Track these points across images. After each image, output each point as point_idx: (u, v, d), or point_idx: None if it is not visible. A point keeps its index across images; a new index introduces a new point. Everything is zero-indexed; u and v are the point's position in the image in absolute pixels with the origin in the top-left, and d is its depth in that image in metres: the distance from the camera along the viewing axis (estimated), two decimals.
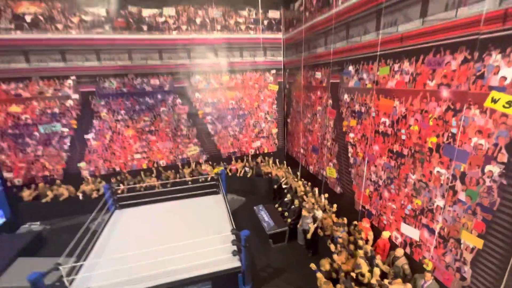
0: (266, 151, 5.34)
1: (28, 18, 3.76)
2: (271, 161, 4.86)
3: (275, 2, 4.72)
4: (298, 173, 4.23)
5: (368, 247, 2.24)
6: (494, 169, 1.52)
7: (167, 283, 2.26)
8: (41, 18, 3.81)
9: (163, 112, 4.62)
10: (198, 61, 4.59)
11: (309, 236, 2.82)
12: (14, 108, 3.95)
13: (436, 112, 1.87)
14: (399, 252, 2.17)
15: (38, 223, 3.82)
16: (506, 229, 1.48)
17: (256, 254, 2.89)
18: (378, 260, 2.07)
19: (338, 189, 3.34)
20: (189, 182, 4.15)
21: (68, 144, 4.26)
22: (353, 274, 1.96)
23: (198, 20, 4.44)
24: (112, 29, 4.09)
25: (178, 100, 4.67)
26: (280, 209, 3.55)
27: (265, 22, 4.80)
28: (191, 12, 4.40)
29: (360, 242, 2.30)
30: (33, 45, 3.84)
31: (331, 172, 3.46)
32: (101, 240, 2.99)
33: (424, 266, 1.98)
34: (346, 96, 3.02)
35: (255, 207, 3.68)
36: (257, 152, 5.30)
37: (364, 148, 2.74)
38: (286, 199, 3.58)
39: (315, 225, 2.83)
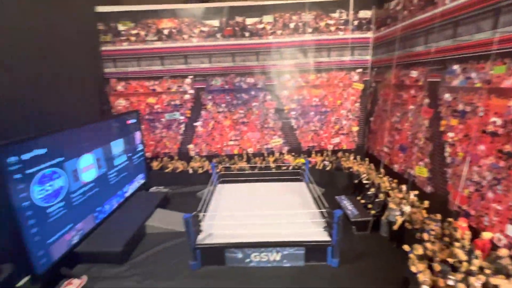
0: (344, 148, 5.50)
1: (165, 32, 4.96)
2: (352, 157, 5.02)
3: (366, 3, 4.82)
4: (382, 170, 4.29)
5: (466, 242, 2.29)
6: None
7: (271, 241, 2.82)
8: (174, 31, 4.96)
9: (254, 106, 5.33)
10: (289, 61, 5.11)
11: (395, 227, 2.98)
12: (151, 100, 5.26)
13: None
14: (503, 252, 2.15)
15: (162, 187, 5.01)
16: None
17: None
18: (477, 253, 2.13)
19: (428, 188, 3.33)
20: (274, 169, 4.76)
21: (183, 129, 5.42)
22: (450, 260, 2.09)
23: (292, 25, 4.95)
24: (222, 36, 4.98)
25: (268, 97, 5.30)
26: (362, 201, 3.74)
27: (355, 23, 4.94)
28: (286, 18, 4.93)
29: (457, 235, 2.36)
30: (166, 52, 5.04)
31: (421, 171, 3.46)
32: (212, 203, 3.83)
33: None
34: (447, 95, 3.00)
35: (336, 197, 3.98)
36: (335, 148, 5.52)
37: (466, 147, 2.71)
38: (369, 193, 3.74)
39: (403, 218, 2.96)
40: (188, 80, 5.17)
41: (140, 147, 4.71)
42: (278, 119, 5.40)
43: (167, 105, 5.28)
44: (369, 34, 4.96)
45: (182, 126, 5.40)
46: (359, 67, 5.14)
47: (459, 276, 1.91)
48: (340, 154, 5.26)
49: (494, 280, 1.89)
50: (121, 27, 4.88)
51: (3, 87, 2.78)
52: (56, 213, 2.70)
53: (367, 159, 4.86)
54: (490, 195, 2.44)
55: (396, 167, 4.16)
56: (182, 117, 5.35)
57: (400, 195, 3.27)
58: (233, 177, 4.67)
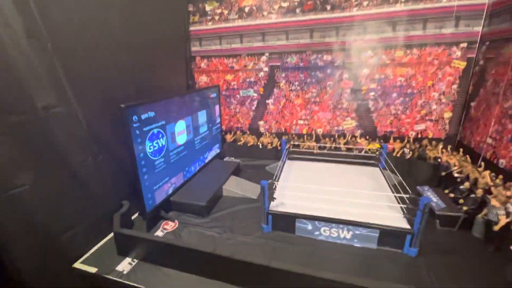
0: (430, 136, 4.85)
1: (246, 9, 5.12)
2: (440, 146, 4.41)
3: None
4: (482, 164, 3.65)
5: None
6: None
7: (343, 219, 2.82)
8: (254, 8, 5.07)
9: (329, 85, 5.13)
10: (373, 36, 4.65)
11: (497, 228, 2.56)
12: (228, 77, 5.63)
13: None
14: None
15: (233, 158, 5.46)
16: None
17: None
18: None
19: None
20: (344, 151, 4.59)
21: (255, 105, 5.67)
22: None
23: None
24: (301, 12, 4.84)
25: (345, 75, 5.00)
26: (452, 195, 3.32)
27: None
28: None
29: None
30: (246, 30, 5.22)
31: None
32: (283, 177, 4.00)
33: None
34: None
35: (418, 187, 3.62)
36: (419, 136, 4.91)
37: None
38: (462, 186, 3.27)
39: (509, 219, 2.52)
40: (264, 58, 5.30)
41: (218, 120, 5.17)
42: (353, 100, 5.08)
43: (242, 82, 5.57)
44: (485, 0, 4.05)
45: (255, 103, 5.65)
46: (464, 41, 4.30)
47: None
48: (425, 141, 4.67)
49: None
50: (207, 7, 5.26)
51: (126, 68, 3.41)
52: (159, 166, 3.29)
53: (461, 149, 4.18)
54: None
55: (503, 162, 3.47)
56: (255, 94, 5.58)
57: (508, 193, 2.76)
58: (302, 154, 4.72)
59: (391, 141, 4.88)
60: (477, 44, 4.25)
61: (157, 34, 4.23)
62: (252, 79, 5.52)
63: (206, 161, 4.72)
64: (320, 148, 4.93)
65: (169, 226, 3.30)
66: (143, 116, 2.89)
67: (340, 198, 3.02)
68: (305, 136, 5.34)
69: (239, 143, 5.49)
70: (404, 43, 4.55)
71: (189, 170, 4.07)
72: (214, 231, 3.18)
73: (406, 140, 4.82)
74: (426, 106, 4.78)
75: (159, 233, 3.18)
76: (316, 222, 2.92)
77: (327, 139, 5.16)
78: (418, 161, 4.36)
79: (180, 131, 3.75)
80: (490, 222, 2.68)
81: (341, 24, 4.74)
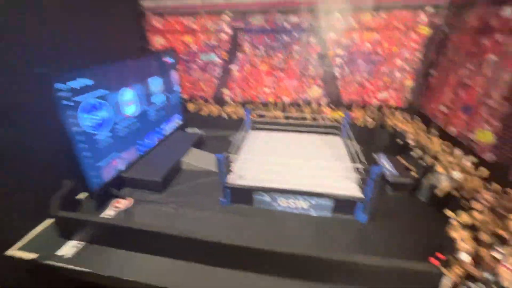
0: (393, 105, 4.92)
1: None
2: (398, 114, 4.51)
3: None
4: (434, 131, 3.81)
5: None
6: None
7: (299, 190, 2.81)
8: None
9: (295, 50, 4.84)
10: None
11: (439, 193, 2.73)
12: (187, 38, 5.05)
13: None
14: None
15: (196, 128, 5.17)
16: None
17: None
18: None
19: (489, 157, 2.89)
20: (310, 120, 4.52)
21: (218, 72, 5.25)
22: (503, 233, 1.87)
23: None
24: None
25: (312, 39, 4.72)
26: (404, 162, 3.45)
27: None
28: None
29: None
30: None
31: (485, 136, 2.97)
32: (244, 148, 3.87)
33: None
34: None
35: (375, 155, 3.72)
36: (381, 104, 4.97)
37: None
38: (413, 153, 3.41)
39: (452, 185, 2.68)
40: (225, 17, 4.76)
41: (177, 88, 4.74)
42: (320, 66, 4.89)
43: (203, 45, 5.04)
44: None
45: (218, 69, 5.22)
46: (430, 5, 4.17)
47: (510, 249, 1.71)
48: (385, 110, 4.75)
49: None
50: None
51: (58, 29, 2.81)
52: (103, 141, 2.95)
53: (418, 118, 4.31)
54: None
55: (453, 131, 3.64)
56: (218, 59, 5.13)
57: (451, 159, 2.91)
58: (266, 125, 4.58)
59: (354, 109, 4.89)
60: (444, 9, 4.15)
61: None
62: (214, 42, 5.01)
63: (166, 133, 4.39)
64: (285, 118, 4.81)
65: (122, 204, 3.09)
66: (74, 84, 2.46)
67: (299, 169, 2.99)
68: (270, 105, 5.14)
69: (201, 113, 5.16)
70: (372, 5, 4.30)
71: (143, 144, 3.75)
72: (170, 206, 3.04)
73: (368, 109, 4.85)
74: (390, 74, 4.76)
75: (110, 212, 2.97)
76: (274, 193, 2.89)
77: (292, 107, 5.02)
78: (378, 129, 4.45)
79: (128, 101, 3.34)
80: (434, 187, 2.84)
81: None
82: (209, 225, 2.78)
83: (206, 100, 5.47)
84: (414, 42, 4.47)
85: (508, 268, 1.57)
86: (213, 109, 5.18)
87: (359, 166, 2.80)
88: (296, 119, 4.67)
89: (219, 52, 5.07)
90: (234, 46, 4.98)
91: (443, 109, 3.92)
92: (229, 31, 4.86)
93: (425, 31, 4.31)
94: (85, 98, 2.60)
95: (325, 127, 4.39)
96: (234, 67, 5.16)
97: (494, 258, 1.68)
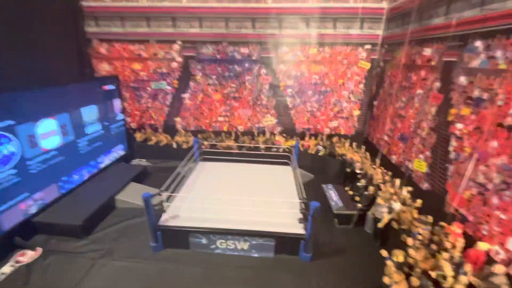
0: (342, 133, 5.07)
1: None
2: (347, 144, 4.61)
3: None
4: (377, 161, 3.90)
5: (456, 253, 1.96)
6: None
7: (239, 229, 2.56)
8: None
9: (248, 80, 4.87)
10: (288, 31, 4.53)
11: (381, 225, 2.65)
12: (136, 66, 4.85)
13: None
14: (499, 269, 1.83)
15: (144, 160, 4.78)
16: None
17: (319, 230, 2.90)
18: (467, 268, 1.80)
19: (425, 185, 2.95)
20: (263, 150, 4.42)
21: (170, 100, 5.05)
22: (433, 274, 1.78)
23: None
24: None
25: (263, 70, 4.80)
26: (351, 192, 3.41)
27: None
28: None
29: (447, 245, 2.03)
30: (153, 12, 4.51)
31: (419, 166, 3.06)
32: (188, 181, 3.57)
33: None
34: (463, 78, 2.50)
35: (323, 185, 3.65)
36: (333, 133, 5.09)
37: (476, 143, 2.28)
38: (359, 184, 3.39)
39: (391, 215, 2.63)
40: (176, 46, 4.70)
41: (120, 116, 4.40)
42: (272, 96, 4.95)
43: (153, 73, 4.87)
44: (384, 4, 4.29)
45: (169, 97, 5.03)
46: (368, 43, 4.53)
47: None
48: (335, 139, 4.85)
49: None
50: None
51: None
52: (6, 181, 2.47)
53: (363, 147, 4.44)
54: (494, 200, 2.05)
55: (394, 158, 3.75)
56: (169, 87, 4.95)
57: (392, 190, 2.91)
58: (217, 155, 4.36)
59: (307, 138, 4.93)
60: (379, 47, 4.53)
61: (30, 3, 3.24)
62: (164, 70, 4.86)
63: (102, 166, 3.94)
64: (238, 147, 4.66)
65: (26, 257, 2.54)
66: None
67: (241, 206, 2.75)
68: (224, 134, 4.99)
69: (149, 143, 4.82)
70: (317, 41, 4.55)
71: (69, 180, 3.28)
72: (88, 256, 2.57)
73: (320, 137, 4.92)
74: (338, 104, 4.95)
75: (6, 269, 2.40)
76: (211, 235, 2.59)
77: (246, 137, 4.92)
78: (329, 157, 4.47)
79: (48, 133, 2.93)
80: (377, 219, 2.78)
81: (256, 16, 4.48)
82: (133, 278, 2.35)
83: (155, 129, 5.17)
84: (357, 75, 4.75)
85: None
86: (162, 138, 4.87)
87: (299, 201, 2.66)
88: (248, 150, 4.53)
89: (170, 80, 4.92)
90: (186, 75, 4.87)
91: (385, 138, 4.08)
92: (180, 59, 4.78)
93: (366, 65, 4.62)
94: None
95: (277, 157, 4.29)
96: (186, 96, 5.01)
97: None
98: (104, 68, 4.86)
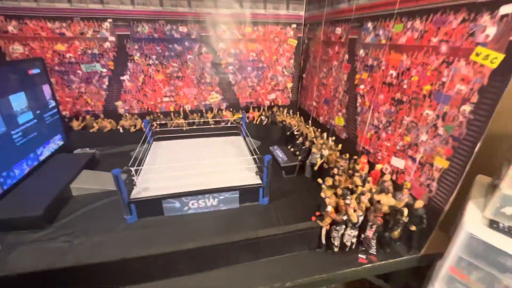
0: (280, 104, 5.82)
1: None
2: (285, 112, 5.38)
3: None
4: (309, 123, 4.78)
5: (362, 172, 2.89)
6: (467, 108, 2.03)
7: (207, 189, 2.98)
8: None
9: (189, 59, 5.00)
10: (224, 10, 4.80)
11: (316, 168, 3.49)
12: (59, 47, 4.37)
13: (434, 64, 2.31)
14: (386, 177, 2.81)
15: (87, 148, 4.53)
16: (466, 152, 2.05)
17: (271, 181, 3.55)
18: (369, 179, 2.73)
19: (343, 135, 3.92)
20: (212, 124, 4.79)
21: (107, 83, 4.78)
22: (350, 185, 2.64)
23: None
24: None
25: (204, 49, 5.01)
26: (292, 149, 4.19)
27: None
28: None
29: (357, 167, 2.94)
30: None
31: (339, 121, 4.00)
32: (148, 159, 3.72)
33: (404, 186, 2.61)
34: (362, 51, 3.39)
35: (270, 147, 4.33)
36: (272, 104, 5.79)
37: (371, 98, 3.22)
38: (298, 141, 4.18)
39: (322, 160, 3.48)
40: (107, 24, 4.41)
41: (52, 103, 4.03)
42: (215, 74, 5.24)
43: (82, 54, 4.49)
44: None
45: (106, 80, 4.76)
46: (294, 23, 5.22)
47: (354, 196, 2.44)
48: (275, 109, 5.57)
49: (376, 196, 2.49)
50: None
51: None
52: None
53: (298, 113, 5.29)
54: (383, 135, 3.04)
55: (321, 119, 4.68)
56: (104, 70, 4.67)
57: (321, 141, 3.76)
58: (169, 134, 4.53)
59: (251, 110, 5.50)
60: (302, 26, 5.28)
61: None
62: (96, 51, 4.54)
63: (42, 158, 3.66)
64: (189, 124, 4.89)
65: None
66: None
67: (204, 170, 3.16)
68: (172, 113, 5.10)
69: (91, 130, 4.56)
70: (251, 20, 5.00)
71: (9, 175, 3.03)
72: (60, 241, 2.60)
73: (262, 109, 5.56)
74: (274, 78, 5.62)
75: None
76: (183, 198, 2.95)
77: (195, 114, 5.16)
78: (271, 125, 5.17)
79: None
80: (313, 165, 3.60)
81: None
82: (115, 246, 2.55)
83: (96, 116, 4.87)
84: (288, 52, 5.46)
85: (351, 207, 2.26)
86: (106, 124, 4.67)
87: (255, 157, 3.23)
88: (199, 125, 4.83)
89: (105, 62, 4.64)
90: (122, 55, 4.67)
91: (314, 104, 4.98)
92: (113, 39, 4.53)
93: (293, 43, 5.35)
94: None
95: (226, 129, 4.75)
96: (125, 78, 4.83)
97: (346, 204, 2.36)
98: (16, 50, 4.21)
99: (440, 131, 2.28)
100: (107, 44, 4.54)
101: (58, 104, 4.25)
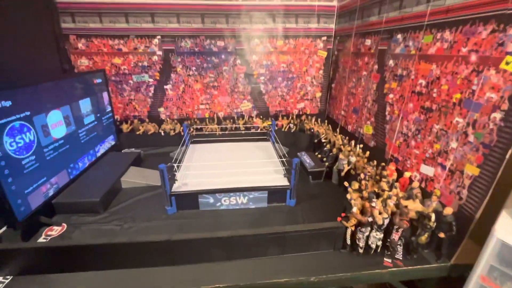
0: (308, 112, 5.99)
1: None
2: (313, 120, 5.53)
3: None
4: (338, 131, 4.87)
5: (390, 178, 2.93)
6: (498, 115, 2.05)
7: (239, 187, 3.25)
8: None
9: (225, 70, 5.45)
10: (258, 26, 5.20)
11: (343, 173, 3.58)
12: (116, 60, 5.08)
13: (464, 73, 2.36)
14: (415, 184, 2.82)
15: (133, 148, 5.11)
16: (497, 159, 2.06)
17: (298, 185, 3.71)
18: (396, 185, 2.77)
19: (372, 143, 3.96)
20: (243, 130, 5.12)
21: (152, 92, 5.40)
22: (376, 189, 2.70)
23: None
24: None
25: (238, 61, 5.42)
26: (319, 156, 4.31)
27: None
28: None
29: (384, 173, 2.99)
30: (131, 8, 4.79)
31: (368, 129, 4.06)
32: (186, 158, 4.12)
33: (434, 193, 2.62)
34: (391, 61, 3.48)
35: (298, 153, 4.50)
36: (300, 113, 5.98)
37: (401, 106, 3.28)
38: (325, 149, 4.30)
39: (350, 166, 3.57)
40: (156, 41, 5.05)
41: (109, 108, 4.67)
42: (248, 84, 5.61)
43: (134, 66, 5.15)
44: (335, 2, 5.20)
45: (152, 89, 5.37)
46: (324, 35, 5.43)
47: (380, 199, 2.51)
48: (304, 117, 5.75)
49: (403, 202, 2.53)
50: None
51: None
52: (30, 166, 2.79)
53: (326, 121, 5.40)
54: (412, 143, 3.07)
55: (350, 128, 4.75)
56: (151, 80, 5.29)
57: (349, 148, 3.85)
58: (204, 137, 4.93)
59: (280, 118, 5.74)
60: (332, 38, 5.47)
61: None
62: (146, 63, 5.18)
63: (98, 155, 4.25)
64: (221, 129, 5.27)
65: (55, 231, 2.90)
66: None
67: (236, 170, 3.44)
68: (207, 119, 5.54)
69: (138, 133, 5.15)
70: (283, 34, 5.32)
71: (75, 167, 3.59)
72: (113, 224, 3.03)
73: (290, 117, 5.77)
74: (303, 88, 5.83)
75: (41, 241, 2.76)
76: (217, 194, 3.24)
77: (227, 121, 5.54)
78: (299, 133, 5.35)
79: (56, 123, 3.23)
80: (340, 171, 3.70)
81: (229, 12, 5.05)
82: (158, 231, 2.90)
83: (141, 120, 5.49)
84: (317, 63, 5.66)
85: (376, 209, 2.34)
86: (150, 128, 5.24)
87: (283, 160, 3.43)
88: (231, 130, 5.19)
89: (152, 73, 5.26)
90: (167, 67, 5.26)
91: (342, 113, 5.07)
92: (161, 53, 5.14)
93: (323, 54, 5.54)
94: (7, 121, 2.49)
95: (256, 134, 5.03)
96: (168, 87, 5.40)
97: (371, 206, 2.44)
98: (83, 63, 4.99)
99: (471, 138, 2.30)
100: (155, 58, 5.17)
101: (113, 109, 4.89)
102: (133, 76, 5.20)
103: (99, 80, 4.35)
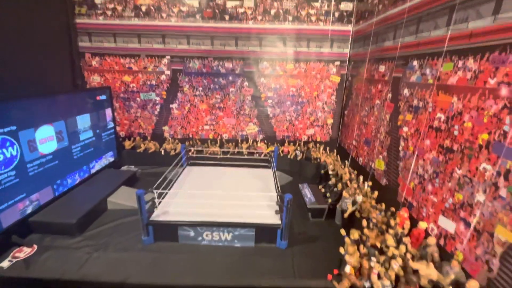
0: (319, 140, 5.58)
1: (143, 8, 4.83)
2: (321, 148, 5.11)
3: None
4: (347, 162, 4.39)
5: (399, 229, 2.41)
6: None
7: (223, 222, 2.89)
8: (152, 8, 4.83)
9: (231, 92, 5.32)
10: (268, 49, 5.07)
11: (346, 215, 3.09)
12: (126, 78, 5.18)
13: (492, 110, 1.91)
14: (431, 240, 2.28)
15: (133, 166, 5.01)
16: None
17: (295, 222, 3.28)
18: (406, 240, 2.25)
19: (384, 181, 3.45)
20: (245, 155, 4.82)
21: (158, 110, 5.38)
22: (378, 244, 2.20)
23: (272, 12, 4.89)
24: (201, 18, 4.89)
25: (245, 83, 5.28)
26: (323, 190, 3.85)
27: (336, 14, 4.92)
28: (267, 3, 4.87)
29: (392, 223, 2.48)
30: (144, 30, 4.93)
31: (379, 164, 3.57)
32: (176, 184, 3.88)
33: (455, 256, 2.07)
34: (406, 90, 3.07)
35: (300, 184, 4.07)
36: (310, 140, 5.59)
37: (416, 142, 2.81)
38: (330, 182, 3.84)
39: (354, 207, 3.08)
40: (165, 61, 5.09)
41: (111, 125, 4.66)
42: (255, 107, 5.41)
43: (142, 85, 5.21)
44: (350, 27, 4.96)
45: (158, 107, 5.36)
46: (338, 60, 5.15)
47: (382, 258, 2.02)
48: (311, 144, 5.34)
49: (413, 264, 2.01)
50: (97, 0, 4.72)
51: None
52: (7, 181, 2.70)
53: (334, 151, 4.95)
54: (429, 187, 2.55)
55: (361, 160, 4.27)
56: (157, 98, 5.29)
57: (355, 185, 3.37)
58: (203, 160, 4.70)
59: (286, 144, 5.39)
60: (346, 63, 5.17)
61: (25, 22, 3.56)
62: (154, 82, 5.22)
63: (93, 171, 4.16)
64: (223, 152, 5.03)
65: (23, 253, 2.72)
66: None
67: (225, 201, 3.11)
68: (210, 141, 5.35)
69: (138, 150, 5.08)
70: (293, 58, 5.13)
71: (62, 183, 3.49)
72: (83, 251, 2.78)
73: (297, 144, 5.40)
74: (313, 114, 5.49)
75: (3, 263, 2.57)
76: (198, 227, 2.91)
77: (230, 144, 5.31)
78: (306, 161, 4.94)
79: (45, 138, 3.18)
80: (343, 211, 3.21)
81: (239, 35, 5.00)
82: (128, 265, 2.60)
83: (144, 137, 5.44)
84: (329, 88, 5.34)
85: (374, 273, 1.85)
86: (151, 146, 5.15)
87: (275, 194, 3.05)
88: (232, 154, 4.92)
89: (159, 91, 5.27)
90: (174, 87, 5.25)
91: (354, 143, 4.61)
92: (169, 73, 5.16)
93: (336, 79, 5.23)
94: None
95: (258, 160, 4.70)
96: (174, 106, 5.36)
97: (370, 267, 1.96)
98: (95, 80, 5.14)
99: (502, 192, 1.79)
100: (163, 77, 5.19)
101: (116, 125, 4.89)
102: (141, 94, 5.24)
103: (103, 97, 4.38)
